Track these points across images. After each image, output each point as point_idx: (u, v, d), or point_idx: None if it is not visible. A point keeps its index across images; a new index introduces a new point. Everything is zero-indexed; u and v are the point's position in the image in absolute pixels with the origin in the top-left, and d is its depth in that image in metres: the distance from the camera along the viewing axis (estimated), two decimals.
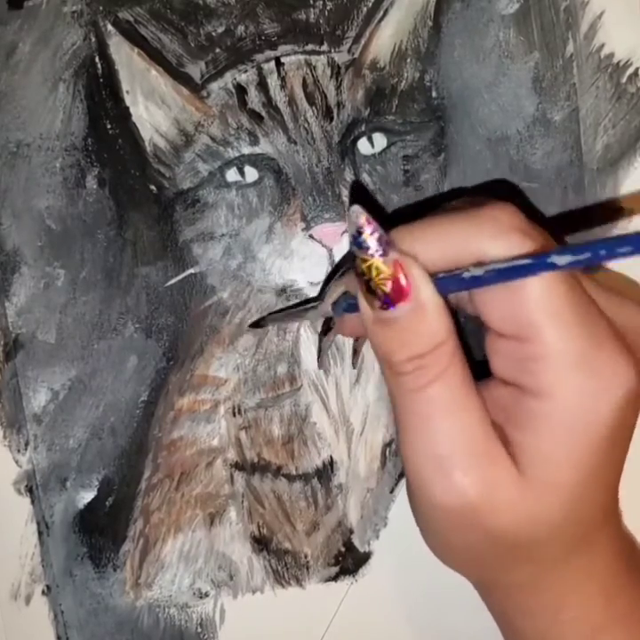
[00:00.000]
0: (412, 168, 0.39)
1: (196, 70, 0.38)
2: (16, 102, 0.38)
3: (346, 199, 0.38)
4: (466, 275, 0.27)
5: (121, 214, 0.39)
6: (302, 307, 0.38)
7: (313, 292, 0.39)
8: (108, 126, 0.38)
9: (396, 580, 0.41)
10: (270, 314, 0.39)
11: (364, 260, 0.27)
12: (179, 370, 0.39)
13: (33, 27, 0.37)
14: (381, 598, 0.41)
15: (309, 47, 0.38)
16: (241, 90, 0.38)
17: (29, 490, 0.39)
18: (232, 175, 0.38)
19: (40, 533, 0.39)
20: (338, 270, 0.37)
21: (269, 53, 0.38)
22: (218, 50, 0.38)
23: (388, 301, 0.28)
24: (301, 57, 0.38)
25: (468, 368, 0.29)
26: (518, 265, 0.27)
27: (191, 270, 0.39)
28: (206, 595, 0.40)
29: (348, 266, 0.31)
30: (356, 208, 0.27)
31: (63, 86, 0.38)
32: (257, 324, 0.39)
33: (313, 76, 0.38)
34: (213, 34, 0.38)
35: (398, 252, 0.27)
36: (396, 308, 0.28)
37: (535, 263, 0.26)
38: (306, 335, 0.40)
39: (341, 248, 0.38)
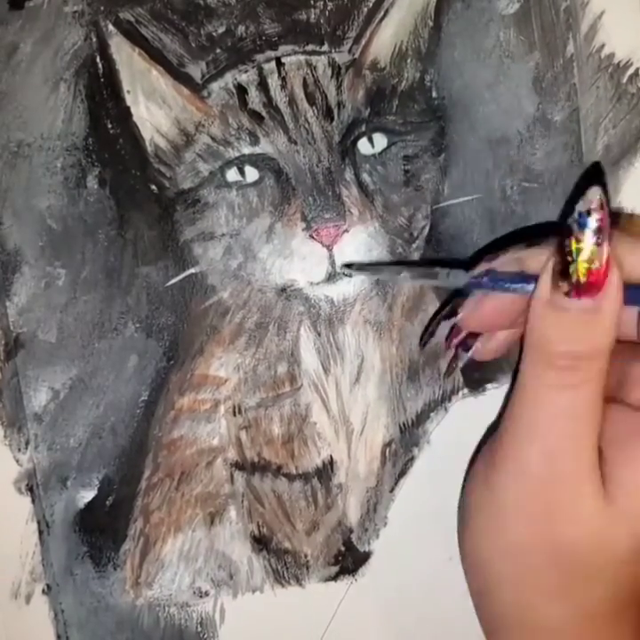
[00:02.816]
0: (412, 168, 0.39)
1: (196, 70, 0.38)
2: (17, 102, 0.38)
3: (346, 199, 0.38)
4: None
5: (121, 214, 0.39)
6: (426, 268, 0.34)
7: (312, 292, 0.39)
8: (109, 126, 0.38)
9: (395, 579, 0.41)
10: (371, 264, 0.37)
11: (578, 241, 0.27)
12: (179, 369, 0.39)
13: (34, 27, 0.37)
14: (381, 598, 0.41)
15: (310, 47, 0.38)
16: (241, 90, 0.38)
17: (30, 489, 0.39)
18: (232, 175, 0.38)
19: (40, 532, 0.39)
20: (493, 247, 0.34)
21: (270, 53, 0.38)
22: (218, 50, 0.38)
23: (579, 291, 0.27)
24: (302, 57, 0.38)
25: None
26: None
27: (192, 270, 0.39)
28: (206, 594, 0.40)
29: (527, 244, 0.30)
30: (598, 189, 0.26)
31: (64, 86, 0.38)
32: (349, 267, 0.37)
33: (313, 76, 0.38)
34: (214, 34, 0.38)
35: (611, 250, 0.27)
36: (580, 301, 0.27)
37: None
38: (306, 335, 0.40)
39: (341, 248, 0.38)
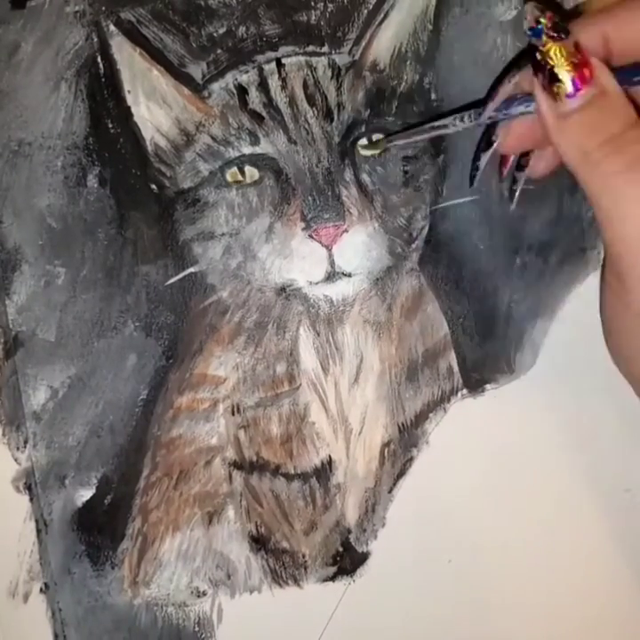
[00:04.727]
0: (411, 169, 0.39)
1: (197, 70, 0.38)
2: (18, 101, 0.38)
3: (345, 199, 0.38)
4: None
5: (122, 213, 0.39)
6: (452, 116, 0.35)
7: (311, 291, 0.39)
8: (110, 126, 0.38)
9: (393, 580, 0.41)
10: (403, 130, 0.38)
11: (545, 48, 0.29)
12: (178, 368, 0.39)
13: (35, 26, 0.38)
14: (379, 599, 0.41)
15: (310, 48, 0.38)
16: (242, 90, 0.38)
17: (28, 487, 0.39)
18: (232, 175, 0.38)
19: (38, 531, 0.39)
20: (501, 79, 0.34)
21: (270, 54, 0.38)
22: (219, 50, 0.38)
23: (576, 85, 0.29)
24: (302, 58, 0.38)
25: None
26: None
27: (191, 269, 0.39)
28: (204, 593, 0.40)
29: (516, 68, 0.32)
30: (530, 3, 0.29)
31: (65, 86, 0.38)
32: (376, 144, 0.38)
33: (313, 77, 0.38)
34: (215, 34, 0.38)
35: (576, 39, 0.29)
36: (579, 96, 0.29)
37: None
38: (305, 334, 0.40)
39: (340, 248, 0.38)
